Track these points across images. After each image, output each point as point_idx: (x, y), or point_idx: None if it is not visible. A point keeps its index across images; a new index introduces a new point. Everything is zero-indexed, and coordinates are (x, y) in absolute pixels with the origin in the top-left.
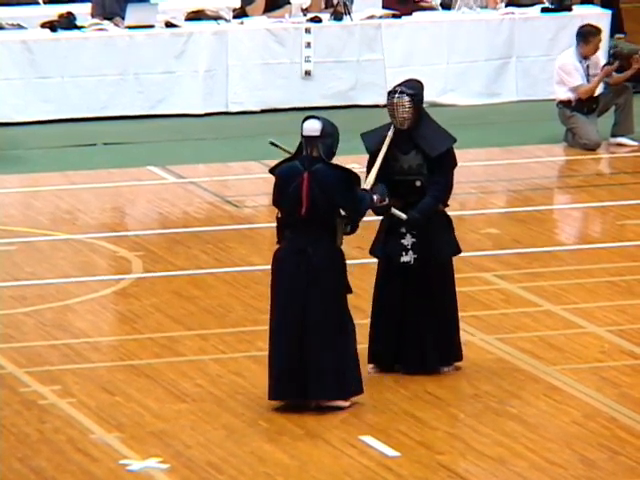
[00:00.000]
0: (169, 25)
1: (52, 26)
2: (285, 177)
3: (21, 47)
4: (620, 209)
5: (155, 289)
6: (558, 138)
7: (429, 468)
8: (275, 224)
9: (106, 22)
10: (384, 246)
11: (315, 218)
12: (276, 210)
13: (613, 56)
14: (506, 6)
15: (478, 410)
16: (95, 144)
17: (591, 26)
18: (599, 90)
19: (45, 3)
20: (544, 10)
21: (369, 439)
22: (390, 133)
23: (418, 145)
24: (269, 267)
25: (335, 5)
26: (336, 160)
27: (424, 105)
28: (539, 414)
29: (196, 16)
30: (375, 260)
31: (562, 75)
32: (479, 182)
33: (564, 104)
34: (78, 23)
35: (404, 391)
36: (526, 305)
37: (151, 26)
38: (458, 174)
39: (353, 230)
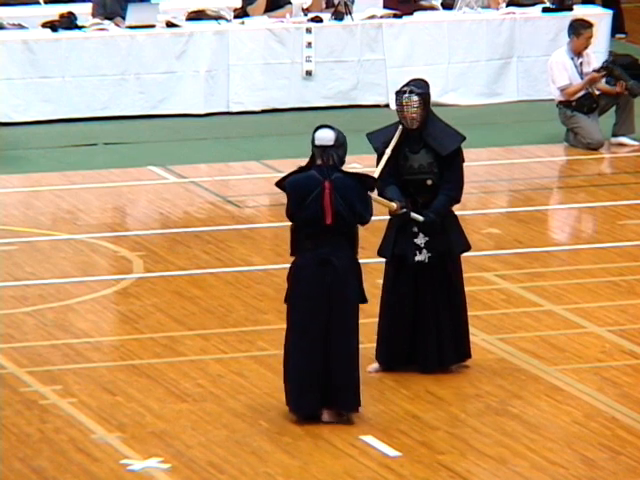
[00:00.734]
0: (170, 25)
1: (53, 26)
2: (303, 187)
3: (22, 47)
4: (621, 209)
5: (156, 289)
6: (559, 138)
7: (430, 468)
8: (289, 235)
9: (107, 22)
10: (395, 246)
11: (339, 227)
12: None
13: (605, 68)
14: (507, 6)
15: (479, 410)
16: (96, 144)
17: (583, 19)
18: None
19: (46, 3)
20: (545, 10)
21: (370, 439)
22: (398, 132)
23: (428, 144)
24: (270, 267)
25: (336, 5)
26: None
27: None
28: (540, 414)
29: (197, 16)
30: (375, 260)
31: (550, 73)
32: (480, 182)
33: (564, 104)
34: (79, 23)
35: (405, 391)
36: (527, 305)
37: (152, 26)
38: None
39: None
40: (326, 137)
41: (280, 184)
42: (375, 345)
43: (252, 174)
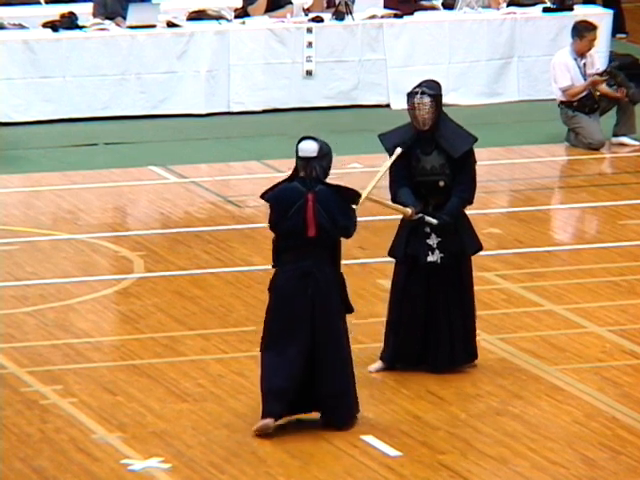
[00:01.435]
0: (171, 25)
1: (54, 26)
2: (286, 199)
3: (23, 47)
4: (621, 209)
5: (157, 289)
6: (560, 138)
7: (431, 468)
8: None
9: (108, 22)
10: (407, 247)
11: (321, 240)
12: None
13: (608, 73)
14: (508, 6)
15: (480, 410)
16: (97, 144)
17: (586, 22)
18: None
19: (47, 3)
20: (546, 10)
21: (371, 439)
22: (395, 155)
23: (440, 145)
24: (270, 267)
25: (337, 5)
26: (336, 160)
27: None
28: (541, 414)
29: (198, 16)
30: (376, 260)
31: (553, 73)
32: (481, 182)
33: (566, 104)
34: (80, 23)
35: (406, 391)
36: (528, 305)
37: (153, 26)
38: None
39: None
40: (309, 148)
41: (264, 196)
42: (382, 345)
43: (253, 174)
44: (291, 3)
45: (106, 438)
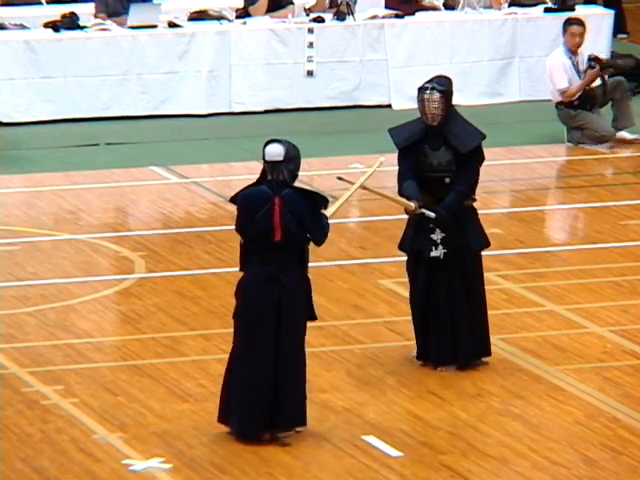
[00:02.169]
0: (172, 25)
1: (55, 26)
2: (253, 202)
3: (24, 47)
4: (622, 209)
5: (158, 289)
6: (561, 138)
7: (432, 468)
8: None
9: (109, 22)
10: (413, 242)
11: (288, 244)
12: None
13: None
14: (509, 6)
15: (481, 410)
16: (98, 144)
17: (570, 17)
18: (596, 82)
19: (48, 3)
20: (547, 10)
21: (372, 439)
22: (375, 166)
23: (448, 141)
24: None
25: (338, 5)
26: (337, 160)
27: None
28: (542, 414)
29: (199, 16)
30: (376, 260)
31: (549, 75)
32: (482, 182)
33: (566, 104)
34: (81, 23)
35: (407, 391)
36: (529, 305)
37: (154, 26)
38: None
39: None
40: (275, 152)
41: (234, 199)
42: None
43: (254, 174)
44: (292, 3)
45: (107, 438)
